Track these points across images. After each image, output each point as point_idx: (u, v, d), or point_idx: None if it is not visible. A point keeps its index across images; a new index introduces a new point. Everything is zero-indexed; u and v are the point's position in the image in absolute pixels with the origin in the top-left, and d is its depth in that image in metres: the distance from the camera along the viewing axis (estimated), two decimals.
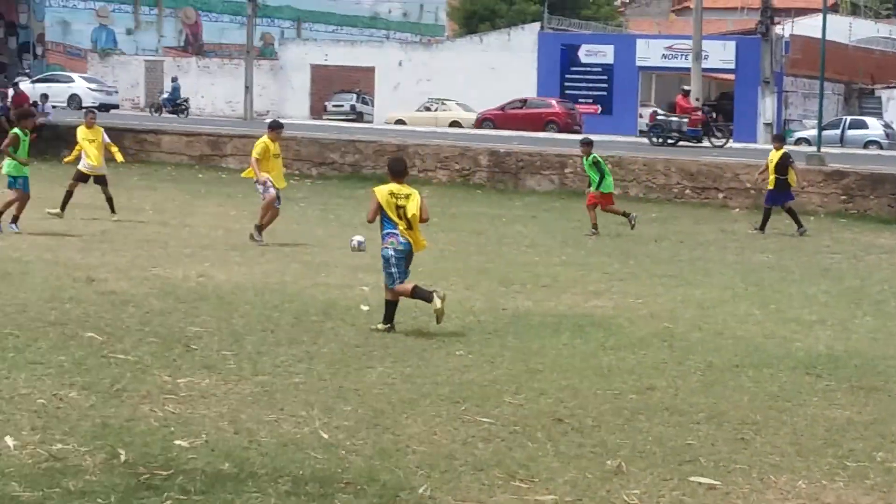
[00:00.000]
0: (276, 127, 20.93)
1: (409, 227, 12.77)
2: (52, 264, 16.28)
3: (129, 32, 78.04)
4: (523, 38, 62.78)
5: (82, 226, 21.20)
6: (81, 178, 23.42)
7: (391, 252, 12.63)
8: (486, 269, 18.07)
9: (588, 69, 61.71)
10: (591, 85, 60.99)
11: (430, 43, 72.90)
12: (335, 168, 35.38)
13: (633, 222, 23.42)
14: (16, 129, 20.13)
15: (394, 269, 12.65)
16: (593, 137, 26.83)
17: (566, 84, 61.11)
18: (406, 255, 12.78)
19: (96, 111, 26.93)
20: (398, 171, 13.11)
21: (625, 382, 10.65)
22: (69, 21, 74.98)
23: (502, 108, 56.87)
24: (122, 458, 7.74)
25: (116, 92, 51.86)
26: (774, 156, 24.82)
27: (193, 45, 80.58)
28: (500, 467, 8.02)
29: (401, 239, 12.65)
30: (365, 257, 18.55)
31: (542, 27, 66.82)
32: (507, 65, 61.00)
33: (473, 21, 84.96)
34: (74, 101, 57.55)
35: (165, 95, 60.76)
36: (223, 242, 19.63)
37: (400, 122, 58.43)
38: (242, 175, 21.93)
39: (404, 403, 9.55)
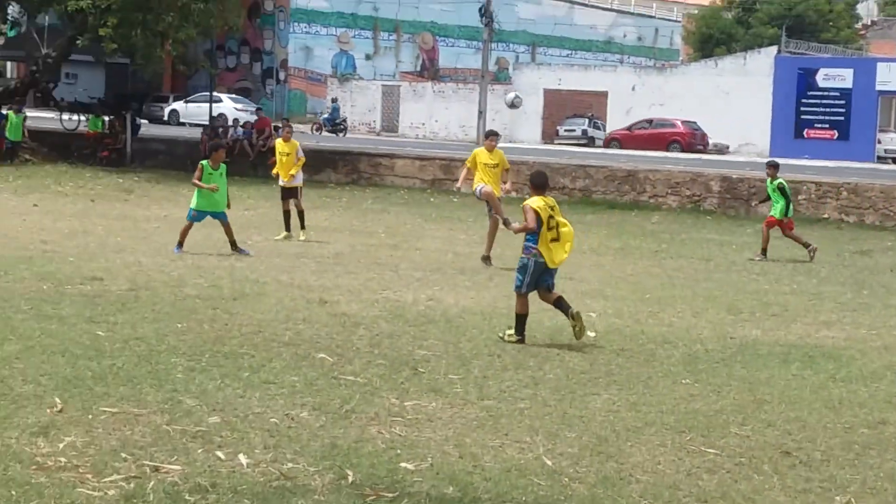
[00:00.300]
0: (489, 135, 20.89)
1: (557, 238, 13.34)
2: (287, 286, 16.71)
3: (367, 58, 79.66)
4: (759, 61, 61.84)
5: (317, 248, 21.70)
6: (283, 193, 23.93)
7: (531, 263, 13.25)
8: (714, 296, 17.86)
9: (825, 93, 60.41)
10: (827, 110, 59.67)
11: (664, 67, 72.40)
12: (565, 193, 35.39)
13: (812, 255, 23.11)
14: (203, 161, 20.28)
15: (527, 278, 13.22)
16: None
17: (802, 108, 59.95)
18: (544, 268, 13.25)
19: (292, 125, 27.70)
20: (541, 185, 13.81)
21: (855, 416, 10.41)
22: (311, 47, 76.92)
23: (629, 128, 57.54)
24: (350, 478, 7.91)
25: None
26: None
27: (429, 70, 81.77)
28: (724, 500, 7.94)
29: (540, 258, 13.24)
30: (593, 283, 18.57)
31: (779, 51, 65.76)
32: (742, 89, 60.16)
33: (709, 45, 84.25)
34: (220, 119, 59.46)
35: (325, 115, 61.57)
36: (452, 266, 19.87)
37: None
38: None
39: (629, 431, 9.52)
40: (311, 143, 43.51)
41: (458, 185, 21.09)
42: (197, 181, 19.84)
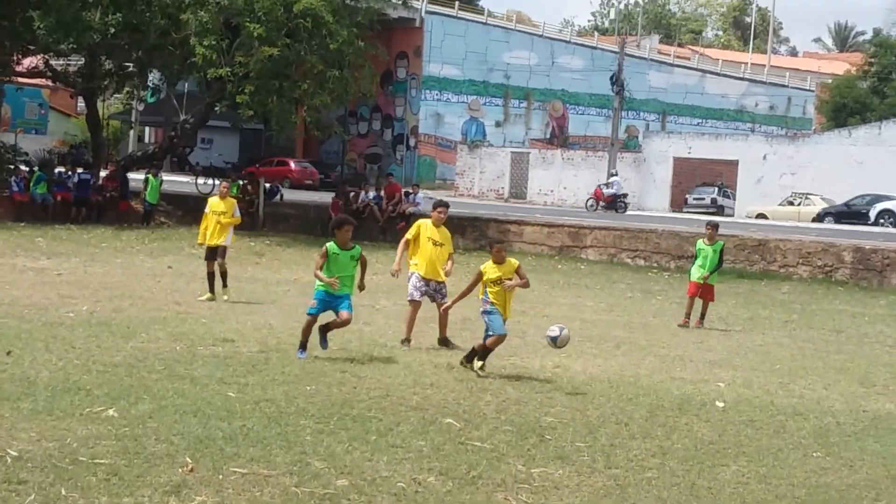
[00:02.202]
0: (438, 205, 18.16)
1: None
2: (414, 350, 16.81)
3: (497, 125, 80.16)
4: (895, 132, 60.96)
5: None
6: (208, 254, 22.18)
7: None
8: (846, 368, 17.57)
9: None
10: None
11: (796, 136, 71.72)
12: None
13: (683, 325, 21.73)
14: (328, 244, 15.89)
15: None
16: None
17: None
18: None
19: (229, 182, 26.11)
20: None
21: None
22: (442, 114, 77.63)
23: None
24: None
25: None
26: None
27: (559, 137, 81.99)
28: None
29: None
30: (722, 352, 18.39)
31: None
32: (876, 158, 59.31)
33: (843, 114, 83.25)
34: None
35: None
36: (579, 334, 19.80)
37: (761, 216, 57.62)
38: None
39: None
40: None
41: (395, 267, 18.04)
42: (318, 272, 15.71)
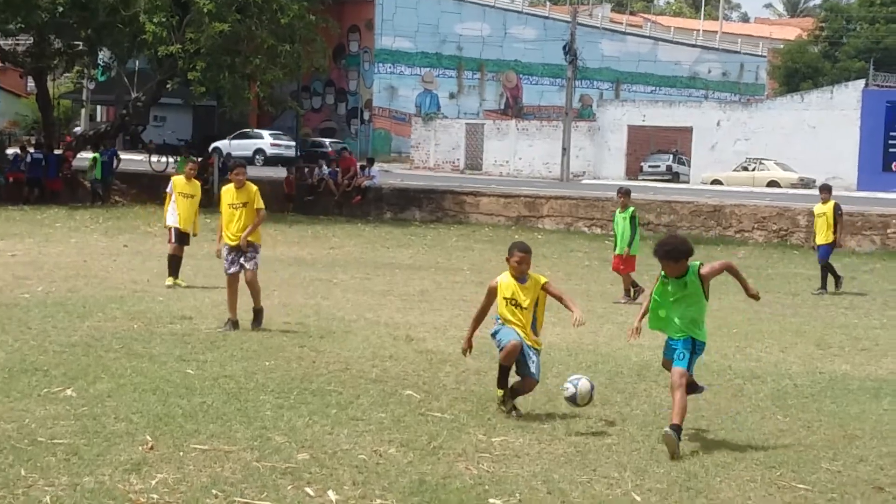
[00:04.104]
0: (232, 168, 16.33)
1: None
2: (373, 323, 16.81)
3: (451, 97, 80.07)
4: (846, 95, 61.27)
5: (402, 286, 21.77)
6: (179, 237, 20.64)
7: None
8: (803, 330, 17.70)
9: None
10: None
11: (749, 102, 72.00)
12: (650, 229, 35.24)
13: (631, 298, 20.97)
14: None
15: None
16: None
17: (890, 142, 59.27)
18: None
19: (197, 161, 25.13)
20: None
21: None
22: (395, 87, 77.46)
23: None
24: None
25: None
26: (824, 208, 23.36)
27: (513, 108, 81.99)
28: None
29: None
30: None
31: (866, 84, 65.21)
32: (829, 123, 59.63)
33: (795, 79, 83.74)
34: (260, 154, 65.46)
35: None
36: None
37: (716, 182, 57.87)
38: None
39: (718, 467, 9.46)
40: (395, 182, 43.84)
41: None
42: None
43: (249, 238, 15.83)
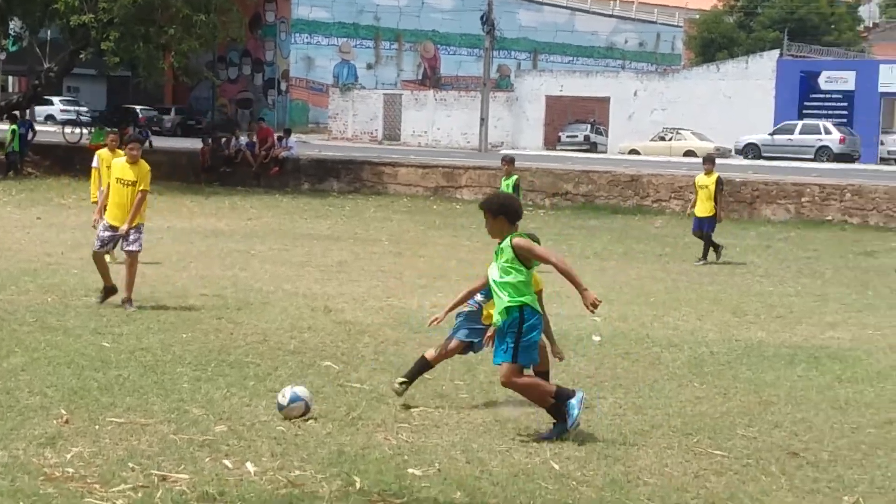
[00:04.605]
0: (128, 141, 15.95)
1: None
2: (291, 294, 16.74)
3: (369, 67, 79.70)
4: (761, 65, 61.87)
5: (321, 257, 21.70)
6: None
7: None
8: (719, 299, 17.87)
9: (828, 96, 60.54)
10: (830, 112, 59.59)
11: (665, 72, 72.42)
12: (568, 199, 35.42)
13: None
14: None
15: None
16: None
17: (804, 111, 59.96)
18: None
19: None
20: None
21: (862, 416, 10.41)
22: (313, 57, 76.97)
23: None
24: (357, 485, 7.91)
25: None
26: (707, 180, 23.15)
27: (431, 79, 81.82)
28: (732, 501, 7.94)
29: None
30: (597, 287, 18.52)
31: (781, 54, 65.81)
32: (745, 93, 60.18)
33: (711, 49, 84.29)
34: (50, 119, 65.97)
35: None
36: (456, 273, 19.85)
37: (634, 152, 58.20)
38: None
39: (635, 434, 9.52)
40: (313, 153, 43.65)
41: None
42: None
43: (143, 220, 15.29)
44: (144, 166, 15.29)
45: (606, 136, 63.99)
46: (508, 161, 22.34)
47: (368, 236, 25.86)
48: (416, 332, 13.89)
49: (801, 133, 56.38)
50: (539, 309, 9.54)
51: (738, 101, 59.97)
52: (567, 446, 9.09)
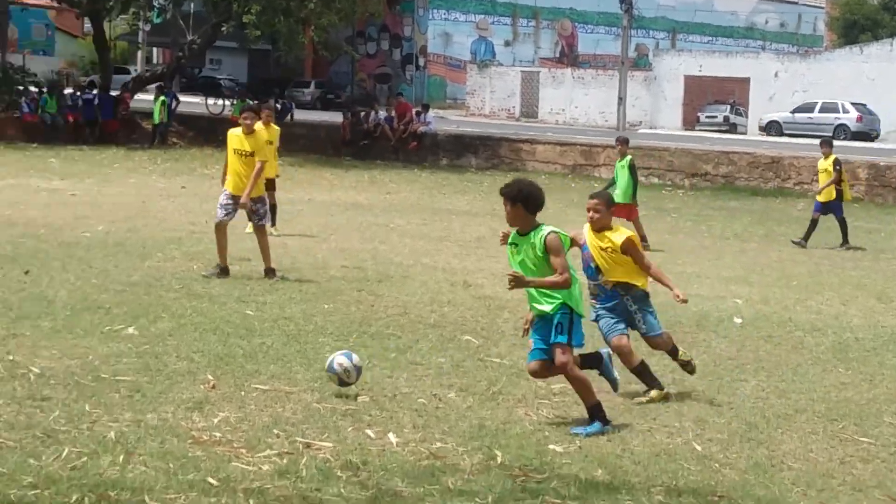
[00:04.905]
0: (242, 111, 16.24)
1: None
2: (430, 269, 16.81)
3: (506, 44, 79.52)
4: None
5: (459, 232, 21.74)
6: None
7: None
8: (863, 284, 17.55)
9: None
10: None
11: (807, 53, 71.20)
12: (707, 179, 35.06)
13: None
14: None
15: None
16: None
17: None
18: None
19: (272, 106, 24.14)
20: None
21: None
22: (450, 33, 77.04)
23: None
24: (499, 459, 7.93)
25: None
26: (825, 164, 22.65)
27: (569, 57, 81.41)
28: (880, 489, 7.81)
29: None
30: (738, 269, 18.35)
31: None
32: (889, 75, 58.89)
33: (853, 31, 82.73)
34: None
35: None
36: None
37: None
38: None
39: (779, 418, 9.41)
40: (451, 128, 43.75)
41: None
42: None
43: (252, 194, 15.12)
44: (262, 135, 15.48)
45: (746, 117, 63.14)
46: (622, 141, 22.17)
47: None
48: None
49: (819, 111, 57.23)
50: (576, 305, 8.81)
51: (881, 84, 58.71)
52: (709, 428, 9.02)
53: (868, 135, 55.34)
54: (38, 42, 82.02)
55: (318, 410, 8.92)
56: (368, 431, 8.43)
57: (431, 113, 43.97)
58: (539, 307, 8.92)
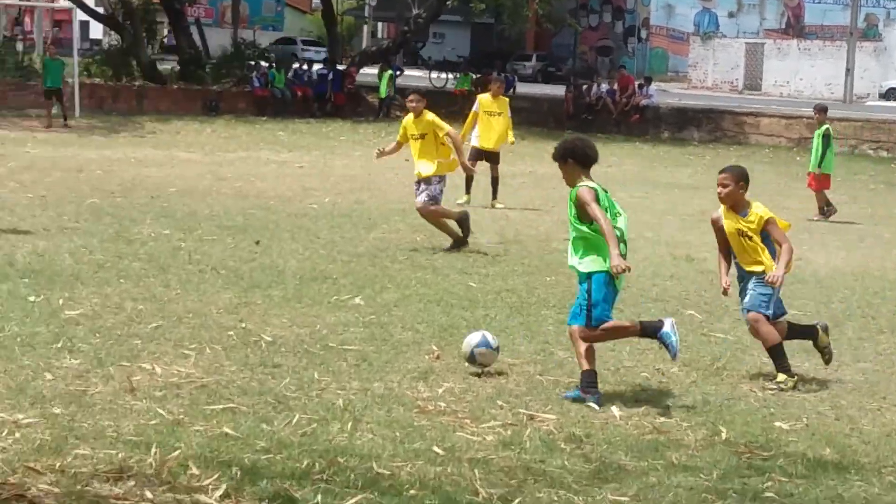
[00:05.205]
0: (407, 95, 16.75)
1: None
2: (653, 242, 16.73)
3: (730, 15, 78.25)
4: None
5: (681, 205, 21.53)
6: (476, 155, 20.28)
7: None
8: None
9: None
10: None
11: None
12: None
13: (819, 217, 20.51)
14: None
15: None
16: None
17: None
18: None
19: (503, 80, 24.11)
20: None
21: None
22: (673, 5, 76.21)
23: None
24: (723, 435, 7.86)
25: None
26: None
27: (794, 27, 79.68)
28: None
29: None
30: None
31: None
32: None
33: None
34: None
35: None
36: (820, 226, 19.41)
37: None
38: None
39: None
40: (673, 101, 43.30)
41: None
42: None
43: (430, 173, 15.08)
44: (427, 116, 15.50)
45: None
46: (820, 110, 21.71)
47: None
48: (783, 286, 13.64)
49: None
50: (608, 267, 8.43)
51: None
52: None
53: None
54: (267, 18, 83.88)
55: (541, 383, 8.98)
56: (591, 404, 8.44)
57: (653, 86, 43.58)
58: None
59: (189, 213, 17.27)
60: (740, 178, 9.62)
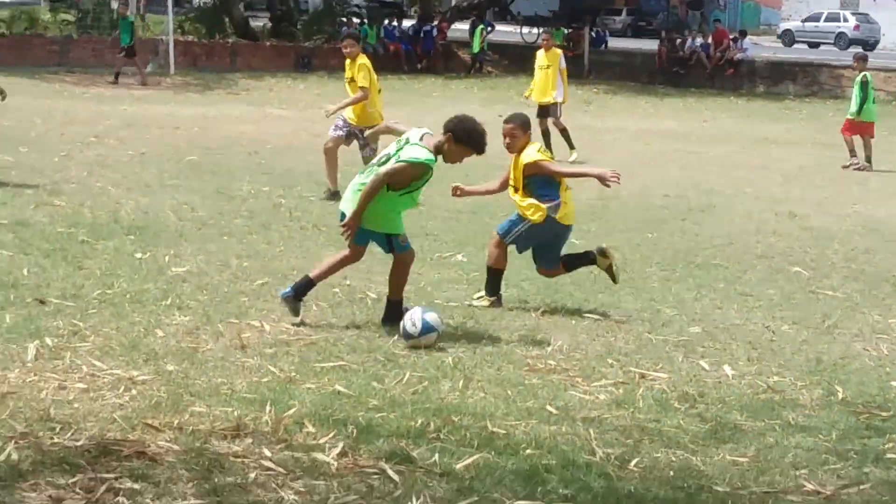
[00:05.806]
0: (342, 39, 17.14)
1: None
2: (753, 198, 16.52)
3: None
4: None
5: (779, 161, 21.23)
6: (539, 112, 20.18)
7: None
8: None
9: None
10: None
11: None
12: None
13: (850, 166, 20.62)
14: None
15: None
16: None
17: None
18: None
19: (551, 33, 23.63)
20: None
21: None
22: None
23: None
24: (839, 395, 7.73)
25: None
26: None
27: None
28: None
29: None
30: None
31: None
32: None
33: None
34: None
35: None
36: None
37: None
38: None
39: None
40: (768, 55, 42.71)
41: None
42: None
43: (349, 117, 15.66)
44: (357, 61, 15.96)
45: None
46: (859, 59, 22.12)
47: (828, 141, 25.04)
48: (888, 241, 13.46)
49: (825, 21, 62.82)
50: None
51: None
52: None
53: (866, 42, 57.58)
54: None
55: (651, 341, 8.89)
56: (702, 363, 8.35)
57: (748, 39, 42.99)
58: None
59: (287, 170, 17.32)
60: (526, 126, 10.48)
